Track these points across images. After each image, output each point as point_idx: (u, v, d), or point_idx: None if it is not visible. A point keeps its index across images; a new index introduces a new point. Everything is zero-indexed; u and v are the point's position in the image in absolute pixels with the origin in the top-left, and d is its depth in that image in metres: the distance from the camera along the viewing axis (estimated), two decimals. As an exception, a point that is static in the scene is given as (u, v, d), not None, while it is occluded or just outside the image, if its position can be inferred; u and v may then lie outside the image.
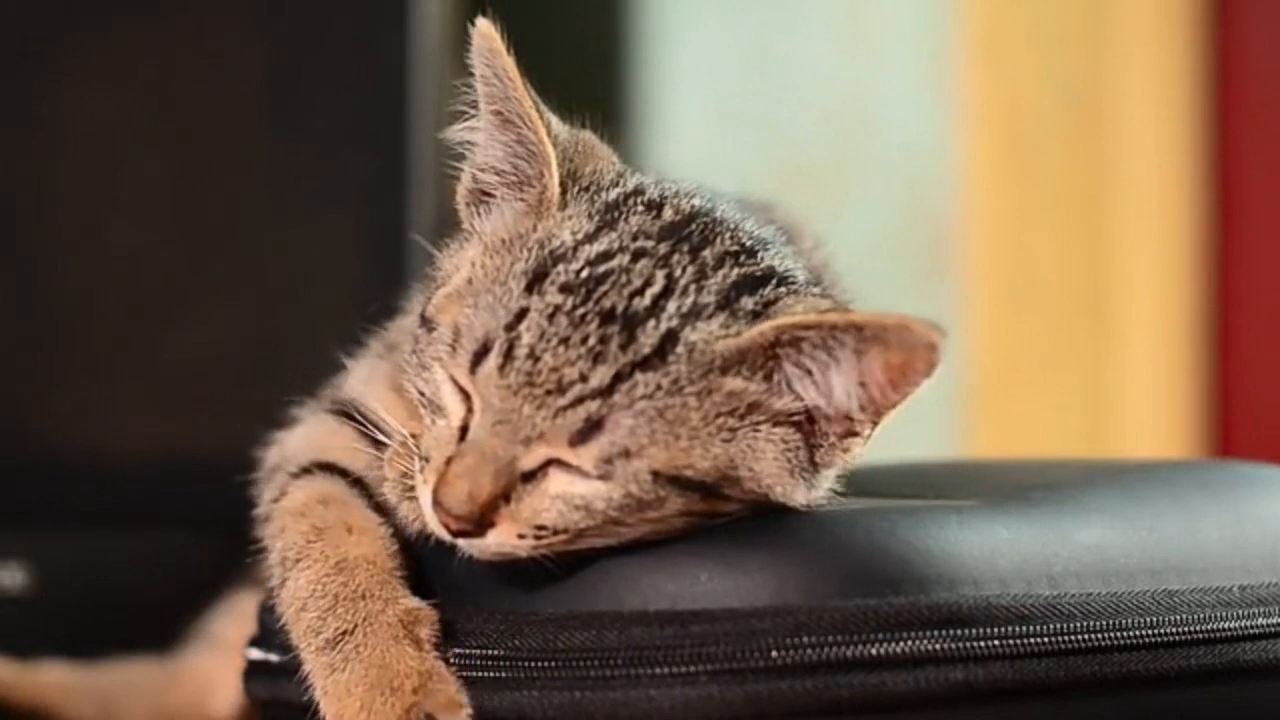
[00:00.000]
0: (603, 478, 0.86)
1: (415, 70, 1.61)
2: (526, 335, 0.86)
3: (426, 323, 0.91)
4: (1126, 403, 2.29)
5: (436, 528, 0.88)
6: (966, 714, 0.87)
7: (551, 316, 0.86)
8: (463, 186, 0.95)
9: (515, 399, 0.86)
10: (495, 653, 0.88)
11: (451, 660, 0.89)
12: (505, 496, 0.86)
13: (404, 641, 0.89)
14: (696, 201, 0.94)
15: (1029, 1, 2.27)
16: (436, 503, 0.87)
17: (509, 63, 0.92)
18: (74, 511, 1.56)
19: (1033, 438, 2.22)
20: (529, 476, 0.86)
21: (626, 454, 0.85)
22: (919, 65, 2.22)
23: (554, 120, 0.94)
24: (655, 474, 0.86)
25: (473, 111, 0.94)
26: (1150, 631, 0.90)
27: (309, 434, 1.01)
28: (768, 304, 0.89)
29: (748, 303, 0.88)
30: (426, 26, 1.62)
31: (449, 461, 0.87)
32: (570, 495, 0.86)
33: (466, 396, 0.88)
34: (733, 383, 0.87)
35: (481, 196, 0.95)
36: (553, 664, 0.87)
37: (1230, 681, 0.93)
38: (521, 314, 0.87)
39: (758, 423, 0.87)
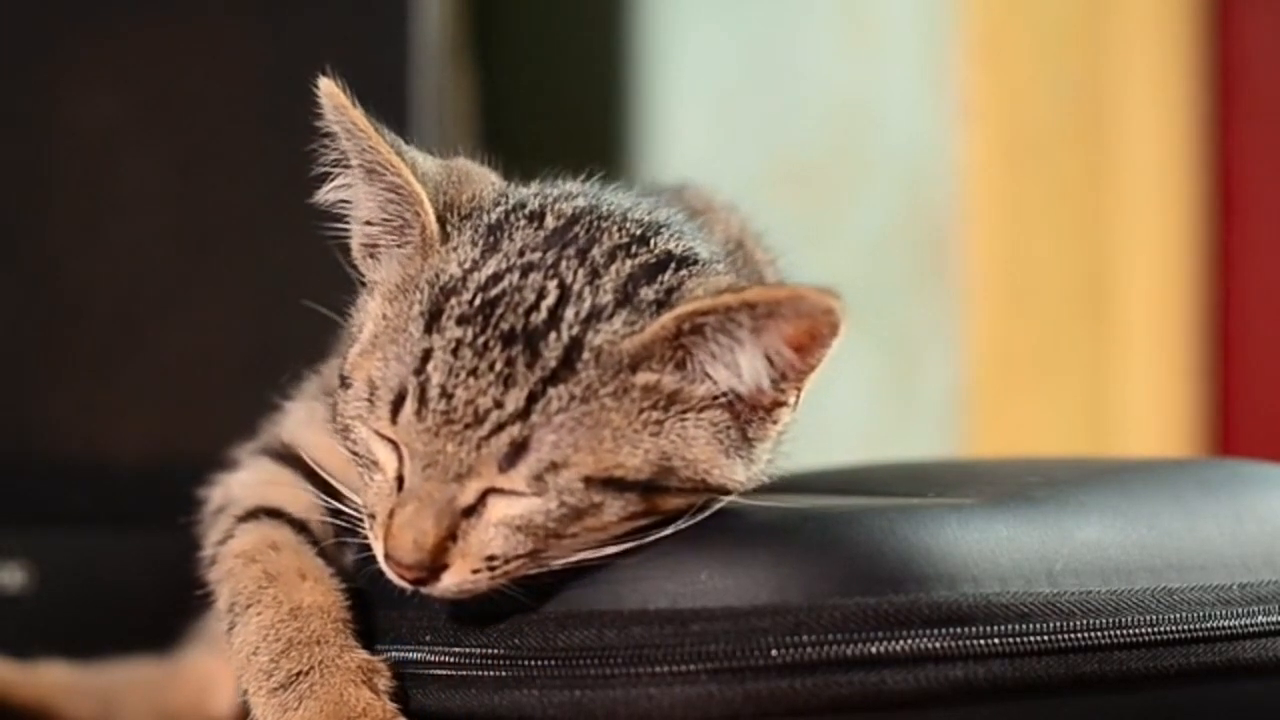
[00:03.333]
0: (537, 494, 0.86)
1: (415, 70, 1.61)
2: (435, 375, 0.86)
3: (344, 381, 0.91)
4: (1126, 403, 2.29)
5: (396, 581, 0.88)
6: (966, 712, 0.87)
7: (455, 351, 0.86)
8: (354, 242, 0.95)
9: (438, 440, 0.86)
10: (495, 651, 0.88)
11: (452, 659, 0.89)
12: (452, 536, 0.86)
13: (362, 686, 0.89)
14: (580, 201, 0.93)
15: (1029, 1, 2.27)
16: (388, 557, 0.87)
17: (358, 115, 0.91)
18: (74, 511, 1.56)
19: (1033, 438, 2.22)
20: (470, 511, 0.86)
21: (555, 467, 0.85)
22: (919, 65, 2.22)
23: (420, 157, 0.94)
24: (587, 480, 0.86)
25: (338, 170, 0.94)
26: (1150, 629, 0.90)
27: (252, 477, 1.01)
28: (669, 290, 0.89)
29: (648, 293, 0.88)
30: (426, 26, 1.62)
31: (391, 514, 0.87)
32: (510, 518, 0.86)
33: (396, 447, 0.88)
34: (646, 377, 0.87)
35: (371, 249, 0.94)
36: (553, 663, 0.87)
37: (1230, 679, 0.93)
38: (426, 355, 0.87)
39: (683, 411, 0.88)
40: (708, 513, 0.88)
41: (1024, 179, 2.25)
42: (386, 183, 0.92)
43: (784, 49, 2.22)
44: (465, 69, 1.98)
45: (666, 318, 0.87)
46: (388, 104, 1.60)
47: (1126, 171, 2.28)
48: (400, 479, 0.88)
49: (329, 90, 0.92)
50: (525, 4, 2.21)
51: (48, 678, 1.32)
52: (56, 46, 1.58)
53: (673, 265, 0.90)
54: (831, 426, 2.18)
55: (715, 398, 0.88)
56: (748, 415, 0.89)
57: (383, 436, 0.88)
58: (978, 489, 0.96)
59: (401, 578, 0.87)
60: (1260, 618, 0.94)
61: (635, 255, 0.90)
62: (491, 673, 0.88)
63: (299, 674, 0.89)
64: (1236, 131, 2.36)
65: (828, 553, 0.88)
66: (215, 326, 1.58)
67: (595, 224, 0.91)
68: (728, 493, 0.89)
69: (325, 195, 0.94)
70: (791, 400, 0.89)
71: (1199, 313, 2.35)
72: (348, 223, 0.95)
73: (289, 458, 1.00)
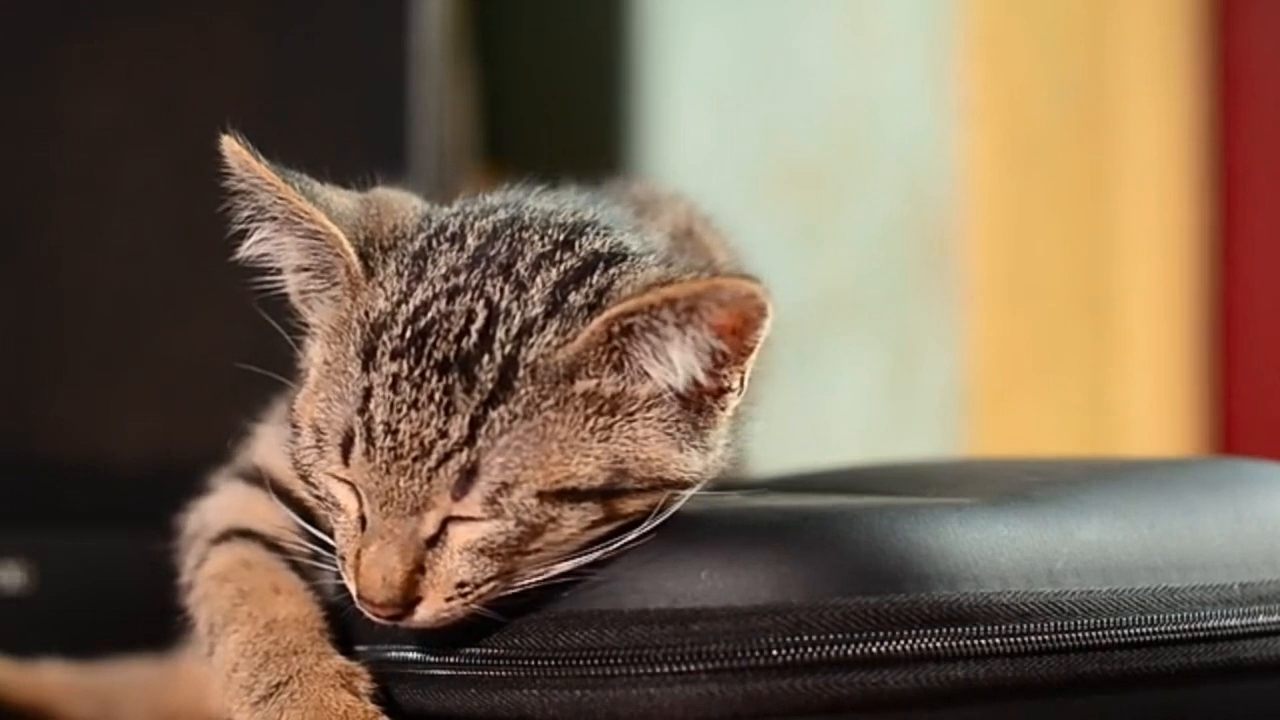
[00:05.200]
0: (494, 516, 0.85)
1: (415, 70, 1.61)
2: (378, 413, 0.86)
3: (293, 427, 0.91)
4: (1126, 402, 2.29)
5: (374, 619, 0.88)
6: (967, 712, 0.87)
7: (394, 386, 0.86)
8: (290, 291, 0.94)
9: (390, 476, 0.86)
10: (495, 652, 0.88)
11: (452, 659, 0.89)
12: (420, 569, 0.86)
13: (342, 690, 0.89)
14: (501, 215, 0.93)
15: (1029, 1, 2.27)
16: (360, 597, 0.87)
17: (263, 169, 0.91)
18: (74, 511, 1.56)
19: (1033, 438, 2.22)
20: (433, 542, 0.86)
21: (506, 487, 0.85)
22: (919, 64, 2.22)
23: (334, 196, 0.93)
24: (540, 495, 0.85)
25: (255, 225, 0.93)
26: (1150, 629, 0.90)
27: (224, 501, 1.02)
28: (600, 292, 0.88)
29: (577, 298, 0.88)
30: (426, 26, 1.62)
31: (359, 555, 0.87)
32: (472, 543, 0.86)
33: (353, 487, 0.88)
34: (585, 385, 0.87)
35: (305, 295, 0.94)
36: (553, 663, 0.87)
37: (1230, 679, 0.93)
38: (367, 394, 0.86)
39: (629, 412, 0.87)
40: (671, 510, 0.88)
41: (1024, 179, 2.25)
42: (304, 230, 0.91)
43: (784, 49, 2.23)
44: (465, 69, 1.98)
45: (596, 323, 0.86)
46: (388, 104, 1.61)
47: (1127, 171, 2.28)
48: (363, 518, 0.88)
49: (232, 149, 0.91)
50: (525, 4, 2.21)
51: (47, 678, 1.32)
52: (56, 46, 1.58)
53: (600, 265, 0.89)
54: (831, 426, 2.18)
55: (658, 394, 0.88)
56: (695, 405, 0.88)
57: (339, 479, 0.88)
58: (978, 489, 0.96)
59: (377, 616, 0.87)
60: (1261, 617, 0.94)
61: (560, 261, 0.89)
62: (491, 673, 0.88)
63: (278, 685, 0.90)
64: (1237, 130, 2.36)
65: (828, 552, 0.87)
66: (215, 326, 1.58)
67: (517, 236, 0.91)
68: (688, 486, 0.89)
69: (247, 251, 0.94)
70: (736, 385, 0.89)
71: (1199, 312, 2.35)
72: (278, 274, 0.94)
73: (261, 480, 1.00)
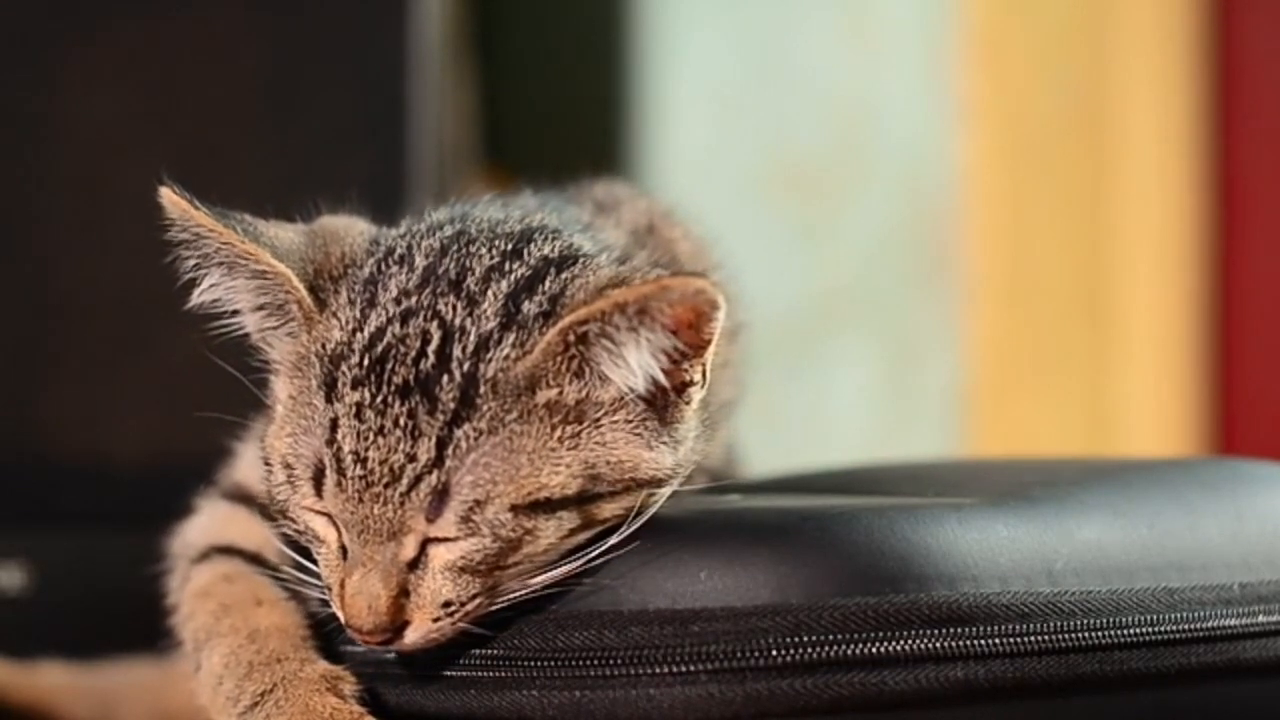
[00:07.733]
0: (470, 534, 0.85)
1: (415, 70, 1.61)
2: (346, 443, 0.86)
3: (265, 465, 0.91)
4: (1126, 402, 2.29)
5: (365, 646, 0.88)
6: (967, 712, 0.87)
7: (358, 415, 0.86)
8: (250, 330, 0.94)
9: (364, 505, 0.86)
10: (495, 652, 0.88)
11: (453, 661, 0.89)
12: (404, 593, 0.86)
13: (327, 694, 0.89)
14: (446, 231, 0.92)
15: (1029, 1, 2.27)
16: (348, 625, 0.87)
17: (202, 217, 0.91)
18: (74, 511, 1.56)
19: (1033, 438, 2.22)
20: (415, 564, 0.86)
21: (479, 504, 0.85)
22: (919, 65, 2.22)
23: (279, 233, 0.93)
24: (514, 508, 0.85)
25: (203, 272, 0.93)
26: (1150, 629, 0.90)
27: (205, 520, 1.02)
28: (553, 298, 0.88)
29: (531, 307, 0.88)
30: (426, 26, 1.62)
31: (343, 584, 0.87)
32: (451, 563, 0.86)
33: (331, 518, 0.88)
34: (547, 395, 0.87)
35: (264, 333, 0.94)
36: (552, 663, 0.87)
37: (1230, 679, 0.93)
38: (333, 425, 0.86)
39: (595, 418, 0.87)
40: (650, 512, 0.88)
41: (1024, 179, 2.25)
42: (252, 271, 0.91)
43: (784, 49, 2.23)
44: (465, 69, 1.98)
45: (551, 334, 0.86)
46: (388, 104, 1.61)
47: (1127, 171, 2.28)
48: (344, 548, 0.88)
49: (170, 199, 0.91)
50: (525, 4, 2.21)
51: (46, 678, 1.32)
52: (56, 46, 1.58)
53: (551, 271, 0.89)
54: (831, 426, 2.18)
55: (621, 397, 0.88)
56: (660, 402, 0.88)
57: (315, 511, 0.88)
58: (978, 489, 0.96)
59: (367, 643, 0.87)
60: (1261, 617, 0.94)
61: (510, 272, 0.89)
62: (491, 673, 0.88)
63: (264, 693, 0.90)
64: (1237, 130, 2.36)
65: (828, 553, 0.87)
66: (215, 326, 1.58)
67: (464, 250, 0.90)
68: (662, 484, 0.89)
69: (200, 298, 0.93)
70: (697, 378, 0.89)
71: (1199, 312, 2.35)
72: (235, 316, 0.94)
73: (243, 498, 1.00)
